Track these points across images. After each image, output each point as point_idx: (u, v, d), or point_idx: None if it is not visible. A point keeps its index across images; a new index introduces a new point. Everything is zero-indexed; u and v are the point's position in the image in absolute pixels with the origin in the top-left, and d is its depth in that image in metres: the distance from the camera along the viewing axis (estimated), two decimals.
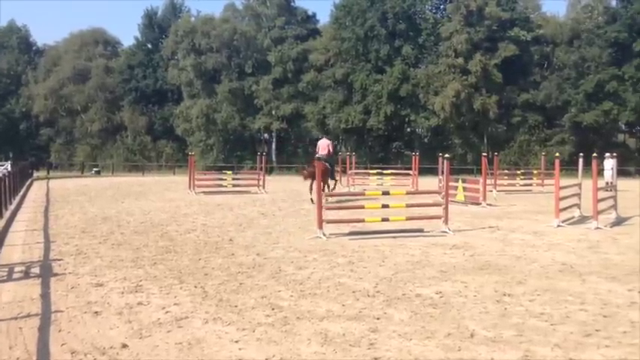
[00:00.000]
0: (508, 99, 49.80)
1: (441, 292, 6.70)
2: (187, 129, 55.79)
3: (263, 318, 5.73)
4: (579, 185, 14.57)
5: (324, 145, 19.62)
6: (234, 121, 53.73)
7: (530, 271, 7.94)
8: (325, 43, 53.02)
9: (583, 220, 13.48)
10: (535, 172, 28.54)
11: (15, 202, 18.82)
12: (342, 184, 27.66)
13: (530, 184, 25.84)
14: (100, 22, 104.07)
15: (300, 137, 55.89)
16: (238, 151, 54.72)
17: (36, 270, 8.28)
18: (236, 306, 6.18)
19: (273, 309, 6.05)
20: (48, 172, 44.47)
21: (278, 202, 19.58)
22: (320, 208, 11.14)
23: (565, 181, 14.65)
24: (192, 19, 58.61)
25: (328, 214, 11.61)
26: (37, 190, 26.70)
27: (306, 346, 4.93)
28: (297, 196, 21.65)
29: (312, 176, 17.42)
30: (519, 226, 12.86)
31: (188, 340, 5.09)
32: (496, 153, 30.51)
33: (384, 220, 11.58)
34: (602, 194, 13.71)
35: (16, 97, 64.69)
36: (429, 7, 54.36)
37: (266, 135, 57.14)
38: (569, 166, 28.79)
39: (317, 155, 19.37)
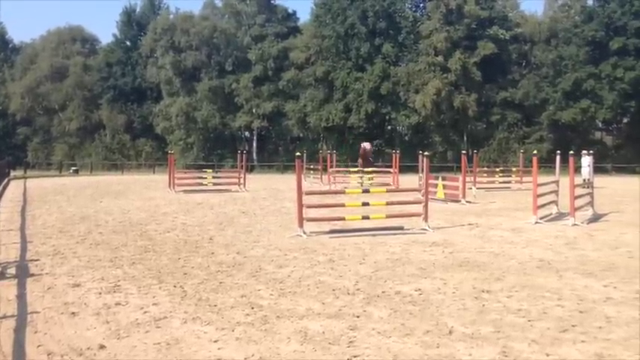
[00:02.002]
0: (487, 97, 50.24)
1: (420, 290, 6.74)
2: (167, 127, 55.38)
3: (242, 317, 5.72)
4: (557, 182, 14.77)
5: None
6: (215, 120, 53.44)
7: (509, 267, 8.03)
8: (306, 41, 52.96)
9: (560, 216, 13.66)
10: (514, 169, 28.85)
11: None
12: (323, 183, 27.70)
13: (509, 182, 26.11)
14: (77, 19, 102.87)
15: (280, 135, 55.79)
16: (219, 150, 54.46)
17: (12, 270, 8.15)
18: (215, 305, 6.15)
19: (252, 308, 6.04)
20: (25, 172, 43.83)
21: (259, 200, 19.53)
22: (300, 206, 11.14)
23: (543, 179, 14.85)
24: (171, 16, 58.15)
25: (309, 213, 11.61)
26: (13, 190, 26.28)
27: (286, 344, 4.93)
28: (278, 195, 21.63)
29: None
30: (498, 223, 12.98)
31: (167, 340, 5.05)
32: (475, 151, 30.84)
33: (365, 218, 11.62)
34: (579, 191, 13.90)
35: None
36: (409, 6, 54.61)
37: (247, 133, 56.95)
38: (547, 164, 29.11)
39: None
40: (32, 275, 7.75)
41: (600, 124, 53.12)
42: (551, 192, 14.52)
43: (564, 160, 14.82)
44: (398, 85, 50.04)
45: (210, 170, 30.04)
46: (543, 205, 13.75)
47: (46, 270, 8.07)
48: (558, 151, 15.55)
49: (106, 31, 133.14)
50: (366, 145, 31.27)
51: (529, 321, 5.50)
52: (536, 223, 12.71)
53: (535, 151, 15.76)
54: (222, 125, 54.17)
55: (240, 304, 6.21)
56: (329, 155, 29.24)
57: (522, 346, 4.80)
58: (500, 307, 5.97)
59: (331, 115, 50.38)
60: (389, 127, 53.52)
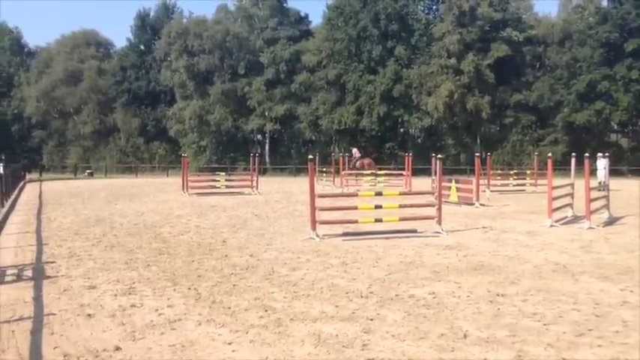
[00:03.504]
0: (501, 99, 49.95)
1: (434, 293, 6.71)
2: (180, 130, 55.67)
3: (256, 320, 5.73)
4: (572, 185, 14.64)
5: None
6: (227, 123, 53.63)
7: (524, 271, 7.97)
8: (318, 44, 53.00)
9: (576, 219, 13.54)
10: (528, 172, 28.66)
11: (7, 204, 18.70)
12: (335, 185, 27.69)
13: (524, 184, 25.93)
14: (92, 23, 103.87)
15: (293, 138, 55.83)
16: (231, 153, 54.64)
17: (28, 273, 8.23)
18: (229, 308, 6.17)
19: (266, 310, 6.05)
20: (40, 175, 44.28)
21: (271, 203, 19.57)
22: (313, 208, 11.15)
23: (558, 181, 14.72)
24: (185, 20, 58.47)
25: (321, 215, 11.62)
26: (29, 193, 26.56)
27: (300, 347, 4.93)
28: (291, 197, 21.66)
29: None
30: (512, 226, 12.90)
31: (181, 342, 5.08)
32: (489, 153, 30.66)
33: (378, 220, 11.59)
34: (594, 194, 13.78)
35: (8, 99, 64.36)
36: (422, 8, 54.48)
37: (259, 136, 57.08)
38: (561, 166, 28.91)
39: None
40: (48, 277, 7.82)
41: (616, 126, 52.55)
42: (566, 195, 14.40)
43: (579, 163, 14.71)
44: (410, 88, 49.91)
45: (223, 173, 30.16)
46: (558, 208, 13.64)
47: (61, 272, 8.15)
48: (573, 154, 15.42)
49: (120, 35, 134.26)
50: (355, 150, 34.67)
51: (545, 325, 5.46)
52: (552, 226, 12.62)
53: (550, 154, 15.64)
54: (234, 128, 54.36)
55: (254, 306, 6.23)
56: (341, 158, 29.22)
57: (538, 351, 4.77)
58: (515, 311, 5.93)
59: (343, 117, 50.36)
60: (401, 130, 53.37)
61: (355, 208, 12.08)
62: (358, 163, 32.52)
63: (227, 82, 53.93)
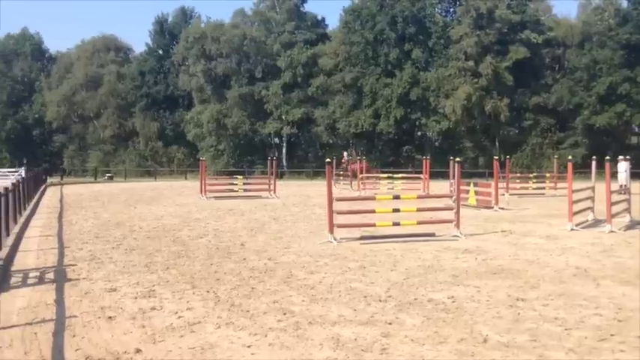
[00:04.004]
0: (520, 102, 49.52)
1: (453, 297, 6.68)
2: (198, 134, 55.97)
3: (275, 323, 5.75)
4: (592, 188, 14.46)
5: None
6: (245, 126, 53.82)
7: (544, 275, 7.90)
8: (335, 47, 52.99)
9: (597, 223, 13.39)
10: (548, 175, 28.36)
11: (29, 208, 18.98)
12: (353, 189, 27.67)
13: (543, 188, 25.67)
14: (111, 28, 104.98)
15: (310, 142, 55.86)
16: (249, 156, 54.80)
17: (50, 275, 8.35)
18: (248, 311, 6.20)
19: (285, 314, 6.06)
20: (61, 178, 44.83)
21: (289, 206, 19.61)
22: (331, 212, 11.15)
23: (578, 185, 14.57)
24: (203, 25, 58.79)
25: (339, 219, 11.61)
26: (50, 196, 26.91)
27: (319, 350, 4.94)
28: (308, 201, 21.68)
29: None
30: (532, 230, 12.79)
31: (201, 344, 5.11)
32: (508, 156, 30.38)
33: (395, 224, 11.57)
34: (615, 197, 13.61)
35: (30, 103, 65.24)
36: (439, 11, 54.20)
37: (276, 140, 57.19)
38: (582, 169, 28.55)
39: None
40: (70, 280, 7.93)
41: (637, 129, 51.81)
42: (586, 198, 14.24)
43: (600, 166, 14.54)
44: (428, 91, 49.68)
45: (241, 177, 30.26)
46: (579, 212, 13.49)
47: (83, 275, 8.25)
48: (594, 157, 15.24)
49: (139, 40, 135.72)
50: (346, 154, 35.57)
51: (566, 330, 5.41)
52: (572, 230, 12.49)
53: (570, 157, 15.49)
54: (252, 132, 54.53)
55: (273, 309, 6.25)
56: (359, 161, 29.18)
57: (559, 356, 4.72)
58: (536, 316, 5.88)
59: (360, 121, 50.27)
60: (419, 133, 53.12)
61: (373, 211, 12.06)
62: (349, 167, 32.86)
63: (244, 85, 54.14)
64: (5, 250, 10.07)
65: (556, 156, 33.31)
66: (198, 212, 17.68)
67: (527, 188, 25.22)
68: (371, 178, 29.61)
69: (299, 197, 23.94)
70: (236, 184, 25.40)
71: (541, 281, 7.49)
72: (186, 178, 47.71)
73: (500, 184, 20.02)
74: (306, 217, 15.84)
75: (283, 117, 53.67)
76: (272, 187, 24.50)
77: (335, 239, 11.03)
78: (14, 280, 8.12)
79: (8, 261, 9.41)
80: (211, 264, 8.96)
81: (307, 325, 5.64)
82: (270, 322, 5.76)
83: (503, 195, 20.35)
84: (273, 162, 26.17)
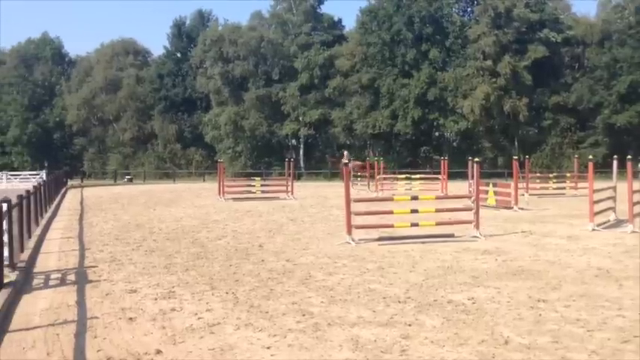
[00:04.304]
0: (539, 101, 49.08)
1: (473, 298, 6.63)
2: (216, 136, 56.29)
3: (294, 324, 5.75)
4: (614, 188, 14.27)
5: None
6: (262, 128, 54.02)
7: (565, 276, 7.81)
8: (351, 48, 52.96)
9: (618, 223, 13.20)
10: (568, 175, 28.04)
11: (50, 210, 19.23)
12: (370, 190, 27.61)
13: (563, 188, 25.38)
14: (130, 32, 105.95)
15: (327, 143, 55.90)
16: (266, 158, 54.97)
17: (71, 277, 8.44)
18: (267, 312, 6.21)
19: (303, 315, 6.06)
20: (82, 181, 45.33)
21: (307, 208, 19.62)
22: (349, 213, 11.13)
23: (599, 184, 14.38)
24: (220, 27, 59.15)
25: (357, 220, 11.59)
26: (71, 199, 27.24)
27: (338, 352, 4.93)
28: (326, 202, 21.67)
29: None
30: (553, 231, 12.65)
31: (221, 346, 5.13)
32: (527, 156, 30.10)
33: (414, 225, 11.51)
34: (637, 197, 13.40)
35: (50, 107, 66.13)
36: (456, 10, 53.90)
37: (294, 141, 57.28)
38: (603, 169, 28.17)
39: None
40: (91, 281, 8.01)
41: None
42: (608, 198, 14.05)
43: (621, 165, 14.34)
44: (445, 91, 49.42)
45: (259, 178, 30.35)
46: (600, 212, 13.32)
47: (103, 276, 8.33)
48: (615, 156, 15.03)
49: (157, 43, 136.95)
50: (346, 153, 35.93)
51: (588, 331, 5.34)
52: (593, 230, 12.33)
53: (590, 156, 15.29)
54: (269, 133, 54.71)
55: (291, 311, 6.25)
56: (376, 162, 29.13)
57: (582, 357, 4.66)
58: (557, 317, 5.81)
59: (377, 122, 50.15)
60: (436, 134, 52.87)
61: (391, 212, 12.01)
62: (351, 165, 33.07)
63: (261, 87, 54.34)
64: (27, 252, 10.21)
65: (576, 155, 32.93)
66: (216, 214, 17.77)
67: (547, 188, 24.94)
68: (388, 179, 29.52)
69: (316, 198, 23.95)
70: (254, 186, 25.49)
71: (562, 282, 7.41)
72: (204, 180, 47.98)
73: (519, 184, 19.83)
74: (324, 219, 15.84)
75: (300, 118, 53.77)
76: (289, 188, 24.54)
77: (353, 240, 11.01)
78: (36, 281, 8.22)
79: (30, 263, 9.55)
80: (230, 265, 8.99)
81: (326, 327, 5.63)
82: (289, 324, 5.77)
83: (523, 195, 20.16)
84: (291, 163, 26.21)
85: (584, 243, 10.75)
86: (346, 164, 32.70)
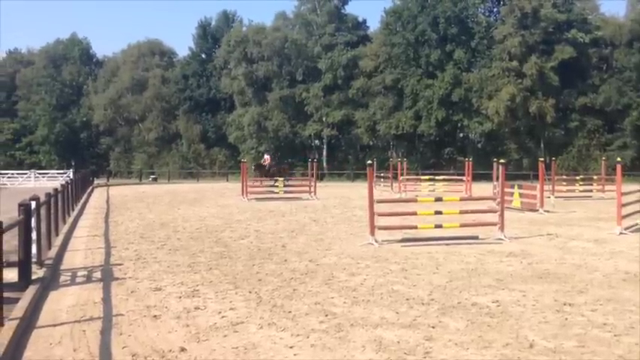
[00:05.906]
0: (566, 103, 48.38)
1: (498, 301, 6.56)
2: (239, 136, 56.63)
3: (317, 324, 5.75)
4: None
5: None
6: (285, 129, 54.19)
7: (592, 280, 7.69)
8: (375, 49, 52.81)
9: None
10: (595, 177, 27.60)
11: (77, 208, 19.54)
12: (393, 191, 27.50)
13: (590, 190, 24.98)
14: (156, 33, 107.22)
15: (350, 144, 55.82)
16: (289, 158, 55.12)
17: (97, 274, 8.57)
18: (290, 312, 6.22)
19: (326, 315, 6.07)
20: (108, 180, 45.98)
21: (329, 208, 19.62)
22: (372, 214, 11.10)
23: (627, 187, 14.12)
24: (244, 28, 59.46)
25: (380, 221, 11.55)
26: (97, 197, 27.64)
27: (361, 353, 4.92)
28: (348, 203, 21.64)
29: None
30: (579, 234, 12.46)
31: (244, 344, 5.16)
32: (554, 158, 29.70)
33: (437, 226, 11.43)
34: None
35: (78, 107, 67.17)
36: (482, 10, 53.41)
37: (317, 142, 57.34)
38: (631, 172, 27.68)
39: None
40: (116, 279, 8.12)
41: None
42: (636, 201, 13.79)
43: None
44: (470, 92, 48.98)
45: (282, 178, 30.44)
46: (628, 215, 13.07)
47: (129, 274, 8.44)
48: None
49: (182, 44, 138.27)
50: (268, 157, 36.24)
51: (615, 336, 5.25)
52: (621, 233, 12.12)
53: (618, 159, 15.03)
54: (292, 134, 54.85)
55: (314, 311, 6.26)
56: (399, 163, 29.02)
57: None
58: (583, 321, 5.72)
59: (401, 122, 49.94)
60: (461, 135, 52.46)
61: (414, 213, 11.94)
62: (272, 169, 33.26)
63: (285, 88, 54.51)
64: (54, 250, 10.39)
65: (604, 158, 32.38)
66: (239, 214, 17.87)
67: (573, 191, 24.58)
68: (412, 180, 29.37)
69: (339, 199, 23.94)
70: (277, 186, 25.59)
71: (589, 286, 7.29)
72: (227, 180, 48.30)
73: (545, 187, 19.57)
74: (347, 219, 15.82)
75: (324, 119, 53.80)
76: (312, 188, 24.57)
77: (376, 241, 10.98)
78: (63, 278, 8.36)
79: (57, 260, 9.72)
80: (253, 265, 9.04)
81: (349, 327, 5.63)
82: (312, 324, 5.77)
83: (549, 197, 19.90)
84: (314, 164, 26.26)
85: (611, 246, 10.57)
86: (261, 165, 33.40)
